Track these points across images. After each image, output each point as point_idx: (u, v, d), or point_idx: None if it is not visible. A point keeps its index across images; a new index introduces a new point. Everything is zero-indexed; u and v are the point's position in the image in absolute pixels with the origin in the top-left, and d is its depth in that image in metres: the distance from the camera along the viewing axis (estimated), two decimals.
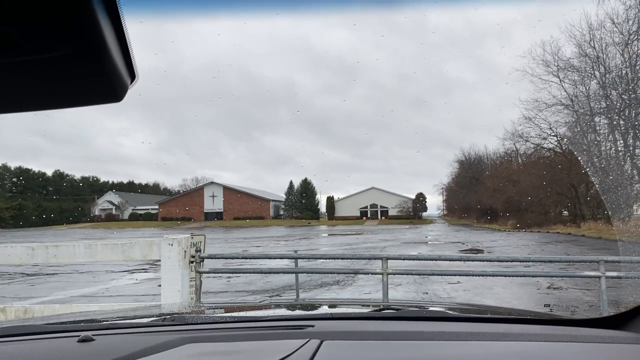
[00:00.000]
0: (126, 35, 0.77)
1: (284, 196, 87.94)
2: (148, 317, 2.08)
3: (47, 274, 17.14)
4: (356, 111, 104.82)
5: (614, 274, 6.89)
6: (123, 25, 0.76)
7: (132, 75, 0.83)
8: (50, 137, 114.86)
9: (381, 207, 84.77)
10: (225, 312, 2.41)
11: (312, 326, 1.64)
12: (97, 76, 0.79)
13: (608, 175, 36.06)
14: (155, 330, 1.70)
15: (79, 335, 1.51)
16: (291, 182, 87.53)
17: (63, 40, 0.71)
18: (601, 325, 1.67)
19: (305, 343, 1.43)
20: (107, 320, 1.92)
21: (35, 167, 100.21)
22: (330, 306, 2.55)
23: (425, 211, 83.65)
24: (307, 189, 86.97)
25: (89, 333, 1.53)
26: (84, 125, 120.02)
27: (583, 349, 1.47)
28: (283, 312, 2.32)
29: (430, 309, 2.34)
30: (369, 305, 2.40)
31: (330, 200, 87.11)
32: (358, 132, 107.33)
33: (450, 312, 2.12)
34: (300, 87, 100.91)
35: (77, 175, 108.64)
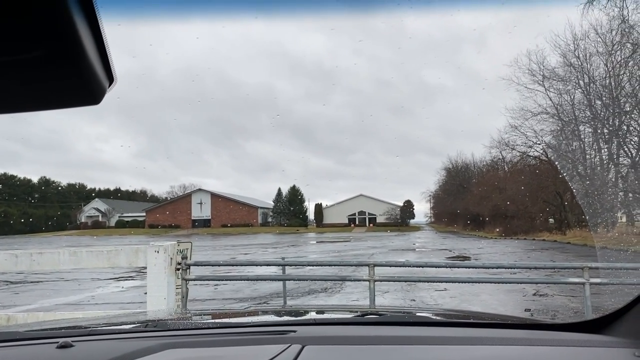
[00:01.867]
0: (104, 37, 0.77)
1: (272, 203, 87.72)
2: (130, 324, 2.06)
3: (32, 282, 16.90)
4: (338, 118, 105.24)
5: (598, 280, 6.96)
6: (100, 27, 0.76)
7: (110, 78, 0.83)
8: (28, 143, 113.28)
9: (369, 214, 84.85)
10: (208, 318, 2.40)
11: (294, 332, 1.63)
12: (74, 78, 0.78)
13: (592, 183, 36.49)
14: (136, 336, 1.68)
15: (58, 342, 1.50)
16: (279, 190, 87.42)
17: (39, 42, 0.70)
18: (581, 330, 1.69)
19: (286, 348, 1.43)
20: (88, 327, 1.90)
21: (15, 174, 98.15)
22: (314, 312, 2.54)
23: (413, 218, 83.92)
24: (295, 196, 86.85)
25: (69, 339, 1.52)
26: (63, 131, 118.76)
27: (562, 353, 1.49)
28: (266, 318, 2.31)
29: (413, 314, 2.34)
30: (353, 311, 2.40)
31: (318, 208, 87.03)
32: (341, 139, 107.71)
33: (433, 317, 2.13)
34: (280, 93, 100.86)
35: (63, 182, 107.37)
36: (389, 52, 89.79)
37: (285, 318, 2.24)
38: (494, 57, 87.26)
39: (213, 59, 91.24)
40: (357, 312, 2.23)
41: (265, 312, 2.70)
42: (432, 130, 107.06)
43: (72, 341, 1.52)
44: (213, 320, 2.25)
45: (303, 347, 1.45)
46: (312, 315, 2.35)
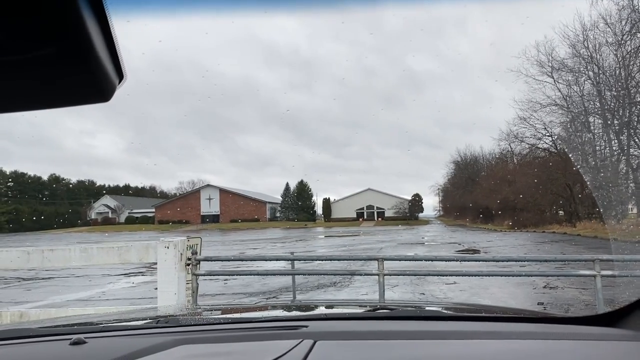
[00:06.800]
0: (113, 34, 0.77)
1: (280, 198, 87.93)
2: (142, 320, 2.07)
3: (43, 278, 17.06)
4: (327, 109, 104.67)
5: (609, 272, 6.90)
6: (110, 24, 0.76)
7: (120, 75, 0.83)
8: (14, 140, 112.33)
9: (377, 208, 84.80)
10: (219, 314, 2.40)
11: (306, 327, 1.63)
12: (86, 76, 0.78)
13: (602, 174, 36.20)
14: (149, 333, 1.69)
15: (71, 338, 1.51)
16: (287, 184, 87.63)
17: (49, 40, 0.70)
18: (595, 323, 1.68)
19: (299, 343, 1.43)
20: (101, 323, 1.91)
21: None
22: (325, 307, 2.54)
23: (422, 212, 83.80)
24: (303, 190, 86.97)
25: (81, 336, 1.53)
26: (48, 126, 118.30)
27: (577, 347, 1.48)
28: (277, 313, 2.31)
29: (425, 308, 2.33)
30: (363, 306, 2.39)
31: (326, 202, 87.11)
32: (334, 131, 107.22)
33: (445, 311, 2.12)
34: (262, 85, 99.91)
35: (73, 179, 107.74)
36: (372, 40, 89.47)
37: (297, 313, 2.24)
38: (504, 50, 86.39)
39: (190, 52, 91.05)
40: (367, 306, 2.23)
41: (276, 307, 2.70)
42: (427, 121, 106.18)
43: (85, 337, 1.52)
44: (224, 316, 2.25)
45: (315, 342, 1.45)
46: (323, 310, 2.35)
